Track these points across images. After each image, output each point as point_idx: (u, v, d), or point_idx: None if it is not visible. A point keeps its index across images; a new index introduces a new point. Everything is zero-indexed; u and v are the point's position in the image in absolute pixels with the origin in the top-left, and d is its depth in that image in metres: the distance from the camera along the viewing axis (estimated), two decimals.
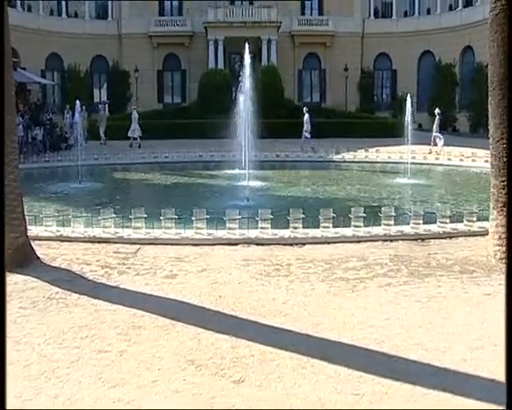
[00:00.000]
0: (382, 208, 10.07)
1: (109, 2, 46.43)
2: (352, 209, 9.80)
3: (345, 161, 24.46)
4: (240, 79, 18.29)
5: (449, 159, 23.62)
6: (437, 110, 27.01)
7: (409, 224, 9.75)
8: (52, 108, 38.50)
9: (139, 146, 29.02)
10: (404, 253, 8.49)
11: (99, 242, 9.18)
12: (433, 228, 9.72)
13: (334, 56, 45.93)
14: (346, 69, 44.56)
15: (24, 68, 33.81)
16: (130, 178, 21.39)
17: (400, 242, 9.16)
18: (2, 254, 5.16)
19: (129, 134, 30.38)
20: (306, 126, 27.72)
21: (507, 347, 3.61)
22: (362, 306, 6.29)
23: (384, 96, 48.35)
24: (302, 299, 6.51)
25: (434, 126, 26.68)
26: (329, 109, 41.27)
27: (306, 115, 27.82)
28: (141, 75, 44.33)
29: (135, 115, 30.98)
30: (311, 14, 47.06)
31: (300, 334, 5.52)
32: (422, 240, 9.26)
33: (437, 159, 23.96)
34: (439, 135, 26.23)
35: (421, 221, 9.74)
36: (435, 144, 25.86)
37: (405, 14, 46.77)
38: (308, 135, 27.67)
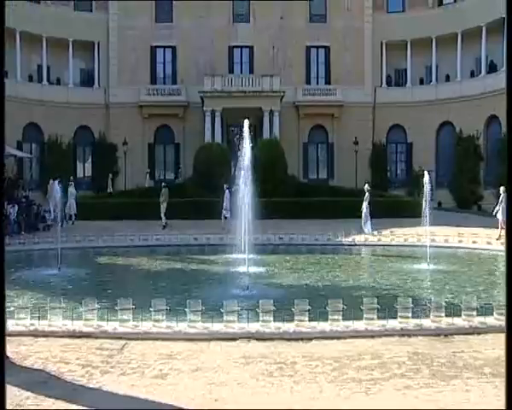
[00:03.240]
0: (398, 299, 10.01)
1: (96, 69, 47.51)
2: (365, 300, 9.78)
3: (355, 245, 24.49)
4: (239, 153, 18.55)
5: (474, 242, 23.57)
6: (366, 186, 27.72)
7: (429, 317, 9.68)
8: (29, 183, 38.94)
9: (72, 223, 30.65)
10: (425, 350, 8.42)
11: (80, 337, 9.12)
12: (458, 322, 9.59)
13: (342, 129, 46.78)
14: (355, 143, 45.27)
15: None
16: (116, 264, 21.35)
17: (420, 337, 9.09)
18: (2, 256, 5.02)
19: (65, 210, 30.96)
20: (226, 204, 28.75)
21: (507, 346, 3.64)
22: None
23: (398, 171, 49.00)
24: (309, 403, 6.43)
25: (364, 205, 27.15)
26: (337, 187, 41.67)
27: (226, 192, 28.89)
28: (130, 148, 44.99)
29: (71, 191, 31.61)
30: (317, 83, 48.19)
31: None
32: (445, 336, 9.16)
33: (460, 241, 23.92)
34: (365, 218, 26.87)
35: (443, 314, 9.64)
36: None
37: (421, 82, 47.89)
38: (228, 214, 28.63)
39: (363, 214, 27.21)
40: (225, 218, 28.64)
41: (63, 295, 12.85)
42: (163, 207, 30.36)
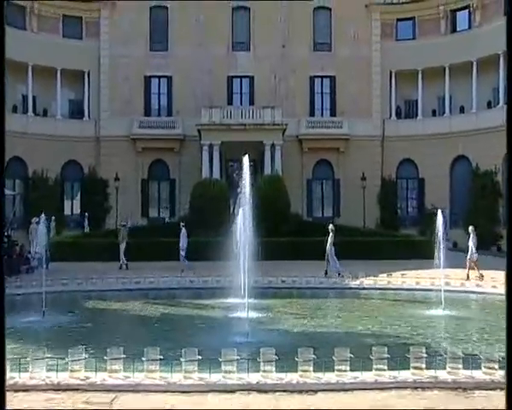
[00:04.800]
0: (411, 348, 9.93)
1: (86, 99, 47.82)
2: (374, 349, 9.70)
3: (364, 288, 24.39)
4: (239, 190, 18.61)
5: (494, 286, 23.42)
6: (330, 226, 28.01)
7: (445, 368, 9.57)
8: (11, 222, 38.93)
9: (47, 267, 29.72)
10: (441, 405, 8.32)
11: (65, 390, 9.02)
12: (478, 375, 9.38)
13: (349, 164, 46.99)
14: (363, 178, 45.43)
15: None
16: (106, 309, 21.25)
17: (435, 391, 8.98)
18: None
19: (31, 250, 30.92)
20: (182, 243, 29.57)
21: (507, 347, 3.63)
22: None
23: (409, 209, 49.16)
24: None
25: (328, 244, 27.45)
26: (344, 226, 41.54)
27: (183, 230, 29.90)
28: (122, 185, 45.16)
29: (39, 229, 30.97)
30: (322, 115, 48.65)
31: None
32: (464, 390, 9.01)
33: (478, 286, 23.85)
34: (331, 257, 27.27)
35: (460, 365, 9.49)
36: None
37: (433, 114, 48.30)
38: (184, 253, 29.60)
39: (328, 256, 27.48)
40: (183, 258, 29.61)
41: (47, 344, 12.77)
42: (122, 246, 31.07)
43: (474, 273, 25.76)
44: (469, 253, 26.22)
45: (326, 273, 26.73)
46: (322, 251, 28.67)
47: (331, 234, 27.83)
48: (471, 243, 26.55)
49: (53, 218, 35.93)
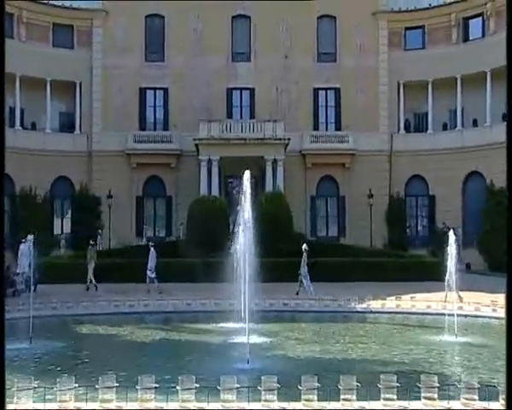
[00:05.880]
0: (422, 376, 9.88)
1: (77, 112, 47.86)
2: (382, 377, 9.66)
3: (371, 312, 24.34)
4: (238, 208, 18.61)
5: None
6: (304, 246, 28.21)
7: (459, 399, 9.51)
8: None
9: (34, 290, 29.53)
10: None
11: None
12: (495, 406, 9.27)
13: (355, 180, 47.01)
14: (370, 196, 45.45)
15: None
16: (98, 334, 21.16)
17: None
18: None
19: (17, 270, 30.85)
20: (151, 263, 30.01)
21: (507, 347, 3.63)
22: None
23: (419, 228, 49.11)
24: None
25: (301, 265, 27.84)
26: (350, 246, 41.61)
27: (152, 250, 30.43)
28: (115, 202, 45.15)
29: (23, 250, 30.81)
30: (326, 129, 48.71)
31: None
32: None
33: (494, 311, 23.73)
34: (304, 278, 27.75)
35: (476, 396, 9.41)
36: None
37: (444, 127, 48.32)
38: (152, 274, 29.89)
39: (301, 277, 27.90)
40: (150, 279, 29.89)
41: (34, 373, 12.71)
42: (90, 267, 31.49)
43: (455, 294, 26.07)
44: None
45: (297, 294, 27.36)
46: (326, 272, 28.78)
47: (304, 254, 28.19)
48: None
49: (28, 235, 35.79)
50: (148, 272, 30.07)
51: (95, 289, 30.32)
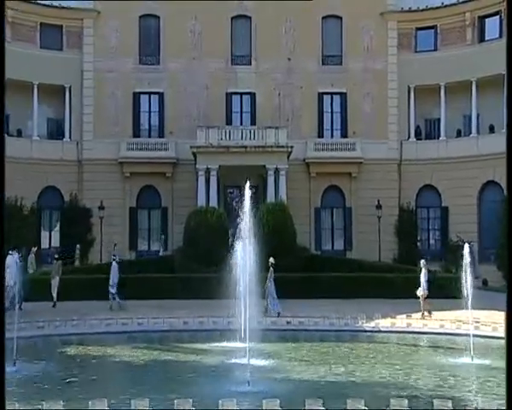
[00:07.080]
0: (434, 401, 9.90)
1: (66, 118, 47.74)
2: (392, 401, 9.69)
3: (379, 331, 24.35)
4: (238, 220, 18.67)
5: None
6: (271, 260, 28.17)
7: None
8: None
9: (20, 307, 29.63)
10: None
11: None
12: None
13: (362, 190, 46.99)
14: (378, 207, 45.40)
15: None
16: (88, 355, 21.13)
17: None
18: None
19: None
20: (113, 278, 30.00)
21: (507, 348, 3.71)
22: None
23: (431, 242, 49.01)
24: None
25: (267, 280, 27.73)
26: (356, 260, 41.59)
27: (114, 264, 30.47)
28: (107, 214, 45.08)
29: (9, 263, 30.66)
30: (332, 136, 48.63)
31: None
32: None
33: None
34: (270, 295, 27.67)
35: None
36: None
37: (458, 134, 48.15)
38: (113, 290, 29.78)
39: (267, 292, 27.80)
40: (112, 295, 29.79)
41: (18, 399, 12.68)
42: (54, 282, 31.39)
43: (425, 307, 27.08)
44: (421, 288, 27.80)
45: (266, 311, 27.25)
46: (331, 288, 28.73)
47: (271, 269, 28.21)
48: (423, 279, 28.07)
49: (33, 250, 36.10)
50: (110, 288, 29.89)
51: (52, 306, 30.15)
